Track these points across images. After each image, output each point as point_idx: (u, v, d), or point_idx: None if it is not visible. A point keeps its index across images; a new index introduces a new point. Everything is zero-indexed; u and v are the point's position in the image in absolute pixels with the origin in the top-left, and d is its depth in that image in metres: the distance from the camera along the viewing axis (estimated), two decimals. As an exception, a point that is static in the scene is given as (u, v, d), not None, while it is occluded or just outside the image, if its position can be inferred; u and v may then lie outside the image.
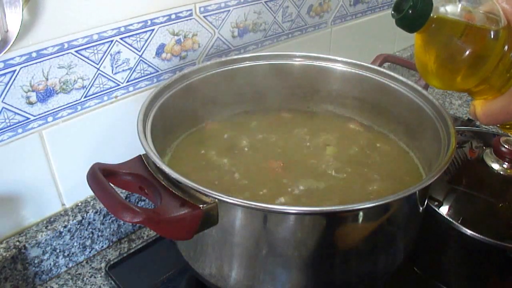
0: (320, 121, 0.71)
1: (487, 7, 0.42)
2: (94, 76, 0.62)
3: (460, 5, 0.42)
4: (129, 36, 0.63)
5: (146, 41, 0.65)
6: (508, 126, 0.49)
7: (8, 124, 0.56)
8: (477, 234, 0.58)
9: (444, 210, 0.62)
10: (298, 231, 0.46)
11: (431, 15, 0.41)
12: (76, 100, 0.61)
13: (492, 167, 0.69)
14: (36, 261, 0.62)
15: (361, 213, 0.46)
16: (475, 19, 0.42)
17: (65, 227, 0.63)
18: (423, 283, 0.63)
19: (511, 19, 0.42)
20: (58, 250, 0.63)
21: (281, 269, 0.49)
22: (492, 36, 0.41)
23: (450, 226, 0.60)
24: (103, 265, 0.67)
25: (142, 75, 0.67)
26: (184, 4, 0.67)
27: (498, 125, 0.50)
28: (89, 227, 0.66)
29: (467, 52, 0.42)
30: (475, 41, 0.42)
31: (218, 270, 0.51)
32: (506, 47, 0.42)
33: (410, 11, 0.41)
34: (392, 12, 0.43)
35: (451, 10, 0.42)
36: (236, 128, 0.68)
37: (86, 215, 0.65)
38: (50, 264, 0.64)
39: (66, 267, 0.66)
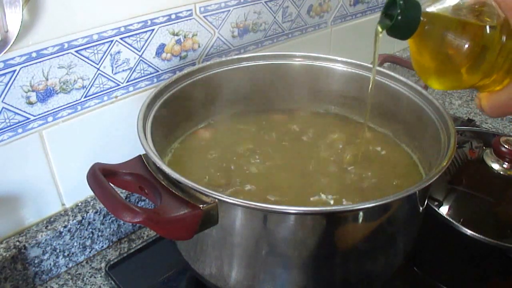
0: (320, 121, 0.71)
1: (479, 1, 0.41)
2: (94, 76, 0.62)
3: (449, 2, 0.41)
4: (129, 36, 0.63)
5: (146, 41, 0.65)
6: None
7: (8, 124, 0.56)
8: (477, 234, 0.58)
9: (444, 210, 0.62)
10: (298, 231, 0.46)
11: (421, 18, 0.41)
12: (76, 100, 0.61)
13: (492, 167, 0.69)
14: (36, 261, 0.62)
15: (361, 213, 0.46)
16: (467, 15, 0.41)
17: (65, 227, 0.63)
18: (423, 283, 0.63)
19: (505, 10, 0.41)
20: (58, 250, 0.63)
21: (281, 269, 0.49)
22: (487, 31, 0.41)
23: (450, 226, 0.60)
24: (103, 265, 0.67)
25: (142, 75, 0.67)
26: (184, 4, 0.67)
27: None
28: (89, 227, 0.66)
29: (464, 50, 0.41)
30: (470, 37, 0.41)
31: (218, 270, 0.51)
32: (504, 38, 0.41)
33: (400, 17, 0.41)
34: (380, 24, 0.42)
35: (441, 8, 0.41)
36: (236, 128, 0.68)
37: (86, 215, 0.65)
38: (50, 264, 0.64)
39: (66, 267, 0.66)
